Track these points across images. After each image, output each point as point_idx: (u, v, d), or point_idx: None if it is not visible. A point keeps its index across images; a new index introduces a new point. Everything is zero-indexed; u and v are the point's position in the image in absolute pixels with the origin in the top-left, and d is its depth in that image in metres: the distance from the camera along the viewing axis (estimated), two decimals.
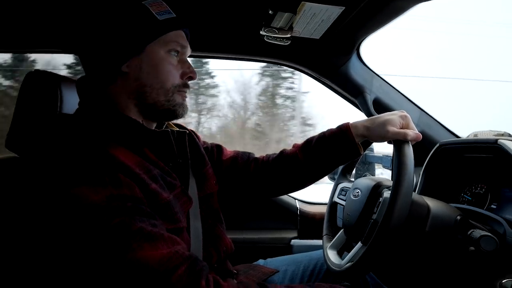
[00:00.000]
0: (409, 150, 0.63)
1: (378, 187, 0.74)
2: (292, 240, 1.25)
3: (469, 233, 0.61)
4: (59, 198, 0.48)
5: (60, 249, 0.49)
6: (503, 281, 0.61)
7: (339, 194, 0.92)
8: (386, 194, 0.69)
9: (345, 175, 0.96)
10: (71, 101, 0.69)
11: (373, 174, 1.24)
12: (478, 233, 0.60)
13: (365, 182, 0.78)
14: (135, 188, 0.51)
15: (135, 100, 0.62)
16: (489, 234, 0.59)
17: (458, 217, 0.65)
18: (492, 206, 0.82)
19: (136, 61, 0.60)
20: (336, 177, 0.98)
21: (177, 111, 0.64)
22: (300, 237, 1.27)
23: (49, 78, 0.69)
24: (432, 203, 0.67)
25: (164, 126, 0.70)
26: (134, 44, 0.59)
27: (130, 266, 0.47)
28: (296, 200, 1.34)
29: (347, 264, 0.66)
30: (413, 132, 0.66)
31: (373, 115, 1.06)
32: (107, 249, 0.47)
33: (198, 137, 0.80)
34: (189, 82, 0.66)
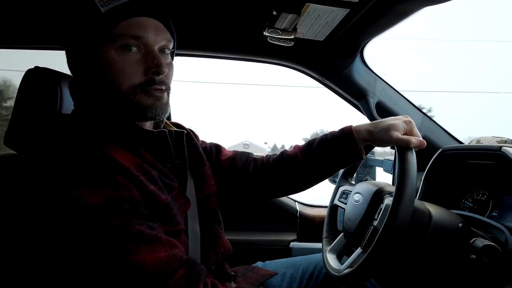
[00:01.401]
0: (412, 158, 0.62)
1: (379, 193, 0.73)
2: (291, 243, 1.25)
3: (471, 241, 0.61)
4: (56, 199, 0.47)
5: (57, 250, 0.48)
6: None
7: (340, 197, 0.91)
8: (387, 201, 0.68)
9: (346, 178, 0.95)
10: (71, 99, 0.69)
11: (374, 178, 1.24)
12: (481, 242, 0.59)
13: (367, 187, 0.77)
14: (133, 190, 0.50)
15: (104, 105, 0.56)
16: (493, 243, 0.58)
17: (460, 224, 0.64)
18: (494, 213, 0.81)
19: (85, 62, 0.54)
20: (337, 179, 0.97)
21: (146, 114, 0.55)
22: (299, 239, 1.27)
23: (49, 75, 0.69)
24: (434, 210, 0.66)
25: (162, 125, 0.69)
26: (87, 47, 0.52)
27: (127, 269, 0.46)
28: (296, 203, 1.34)
29: (346, 270, 0.65)
30: (416, 139, 0.65)
31: (375, 119, 1.06)
32: (104, 252, 0.46)
33: (196, 137, 0.79)
34: (158, 77, 0.55)
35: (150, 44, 0.55)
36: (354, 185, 0.90)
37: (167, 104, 0.58)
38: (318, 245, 1.22)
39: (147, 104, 0.55)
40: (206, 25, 0.95)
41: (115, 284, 0.47)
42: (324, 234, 0.90)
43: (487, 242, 0.59)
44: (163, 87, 0.57)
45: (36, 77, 0.69)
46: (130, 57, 0.53)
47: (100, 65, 0.53)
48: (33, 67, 0.70)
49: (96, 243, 0.46)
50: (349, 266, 0.67)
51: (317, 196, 1.37)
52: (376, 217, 0.69)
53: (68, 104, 0.69)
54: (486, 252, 0.58)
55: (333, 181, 1.03)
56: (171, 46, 0.59)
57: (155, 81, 0.55)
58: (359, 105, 1.11)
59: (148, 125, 0.65)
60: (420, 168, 0.93)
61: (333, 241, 0.85)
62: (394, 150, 0.86)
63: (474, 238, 0.61)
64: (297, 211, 1.30)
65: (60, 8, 0.59)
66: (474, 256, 0.60)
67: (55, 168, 0.49)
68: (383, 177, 1.19)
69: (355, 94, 1.09)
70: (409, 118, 0.70)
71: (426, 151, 0.97)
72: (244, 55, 1.10)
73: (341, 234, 0.83)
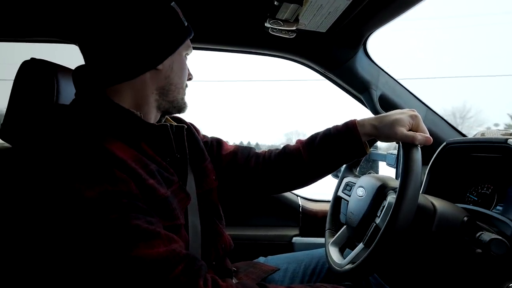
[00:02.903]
0: (417, 155, 0.60)
1: (383, 189, 0.72)
2: (294, 238, 1.24)
3: (477, 235, 0.59)
4: (53, 193, 0.46)
5: (54, 244, 0.47)
6: (510, 285, 0.59)
7: (344, 188, 0.90)
8: (391, 198, 0.67)
9: (351, 169, 0.94)
10: (68, 91, 0.68)
11: (377, 172, 1.22)
12: (487, 236, 0.58)
13: (371, 181, 0.76)
14: (131, 183, 0.49)
15: (157, 96, 0.64)
16: (500, 237, 0.57)
17: (465, 218, 0.63)
18: (499, 207, 0.80)
19: (169, 60, 0.63)
20: (339, 174, 0.96)
21: (184, 108, 0.69)
22: (301, 234, 1.26)
23: (45, 67, 0.67)
24: (439, 203, 0.65)
25: (164, 120, 0.69)
26: (173, 45, 0.63)
27: (125, 264, 0.45)
28: (298, 197, 1.33)
29: (348, 266, 0.64)
30: (422, 136, 0.63)
31: (378, 112, 1.05)
32: (102, 246, 0.45)
33: (197, 131, 0.78)
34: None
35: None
36: (358, 176, 0.89)
37: None
38: (320, 240, 1.21)
39: (185, 100, 0.69)
40: (207, 17, 0.93)
41: (113, 279, 0.46)
42: (327, 225, 0.89)
43: (494, 236, 0.57)
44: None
45: (32, 68, 0.67)
46: (186, 61, 0.69)
47: (177, 63, 0.65)
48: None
49: (93, 237, 0.45)
50: (351, 262, 0.66)
51: (320, 191, 1.36)
52: (378, 214, 0.68)
53: (65, 96, 0.68)
54: (494, 246, 0.57)
55: (336, 176, 1.02)
56: None
57: (186, 84, 0.70)
58: (362, 98, 1.09)
59: (153, 121, 0.65)
60: (424, 162, 0.93)
61: (336, 233, 0.84)
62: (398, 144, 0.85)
63: (480, 232, 0.60)
64: (300, 206, 1.30)
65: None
66: (480, 250, 0.59)
67: (52, 161, 0.48)
68: (386, 171, 1.18)
69: (358, 87, 1.07)
70: (415, 112, 0.68)
71: (430, 144, 0.96)
72: (246, 47, 1.08)
73: (344, 226, 0.82)
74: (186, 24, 0.65)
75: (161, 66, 0.62)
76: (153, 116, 0.65)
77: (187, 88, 0.70)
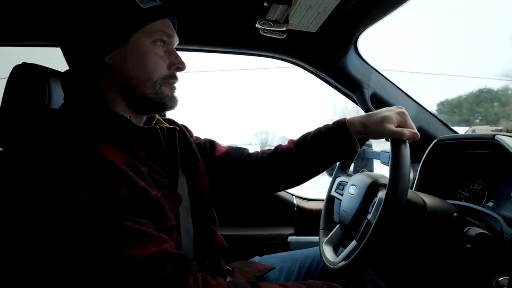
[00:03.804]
0: (405, 150, 0.61)
1: (374, 185, 0.72)
2: (289, 237, 1.25)
3: (465, 230, 0.60)
4: (43, 196, 0.46)
5: (45, 246, 0.47)
6: (500, 279, 0.60)
7: (337, 188, 0.91)
8: (381, 194, 0.67)
9: (343, 169, 0.95)
10: (60, 95, 0.68)
11: (371, 171, 1.23)
12: (474, 230, 0.59)
13: (362, 179, 0.77)
14: (121, 186, 0.49)
15: (122, 94, 0.59)
16: (486, 232, 0.58)
17: (455, 214, 0.64)
18: (490, 202, 0.81)
19: (120, 52, 0.57)
20: (334, 171, 0.97)
21: (166, 103, 0.61)
22: (297, 233, 1.27)
23: (37, 71, 0.67)
24: (429, 200, 0.66)
25: (154, 121, 0.68)
26: (117, 34, 0.56)
27: (116, 265, 0.46)
28: (294, 196, 1.34)
29: (341, 263, 0.65)
30: (410, 131, 0.64)
31: (371, 110, 1.06)
32: (92, 247, 0.46)
33: (190, 132, 0.78)
34: (177, 73, 0.63)
35: (173, 43, 0.64)
36: (350, 176, 0.90)
37: None
38: (315, 238, 1.21)
39: (168, 95, 0.61)
40: (198, 18, 0.93)
41: (104, 280, 0.46)
42: (321, 225, 0.89)
43: (480, 231, 0.58)
44: (176, 82, 0.63)
45: (23, 73, 0.67)
46: (159, 50, 0.60)
47: (133, 54, 0.58)
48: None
49: (84, 238, 0.46)
50: (344, 259, 0.66)
51: (314, 191, 1.36)
52: (370, 210, 0.68)
53: (56, 100, 0.68)
54: (480, 241, 0.58)
55: (330, 174, 1.02)
56: None
57: (175, 76, 0.63)
58: (354, 97, 1.10)
59: (141, 121, 0.65)
60: (416, 159, 0.93)
61: (330, 232, 0.84)
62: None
63: (468, 227, 0.60)
64: (295, 205, 1.30)
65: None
66: (469, 245, 0.60)
67: (43, 164, 0.48)
68: (381, 170, 1.18)
69: (350, 86, 1.08)
70: (403, 109, 0.69)
71: (422, 141, 0.97)
72: (237, 48, 1.09)
73: (338, 225, 0.83)
74: (145, 7, 0.57)
75: (110, 60, 0.57)
76: (134, 118, 0.61)
77: (170, 81, 0.62)
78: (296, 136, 0.80)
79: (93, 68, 0.58)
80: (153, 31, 0.59)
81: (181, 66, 0.63)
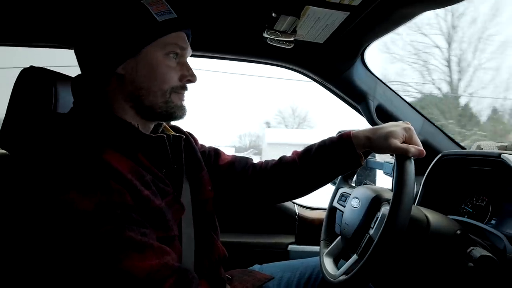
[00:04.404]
0: (410, 167, 0.60)
1: (377, 200, 0.72)
2: (289, 246, 1.24)
3: (469, 250, 0.60)
4: (48, 203, 0.47)
5: (48, 253, 0.48)
6: None
7: (339, 199, 0.90)
8: (384, 210, 0.67)
9: (346, 180, 0.94)
10: (66, 99, 0.68)
11: (374, 181, 1.23)
12: (478, 252, 0.58)
13: (365, 192, 0.76)
14: (126, 195, 0.50)
15: (131, 103, 0.60)
16: (490, 254, 0.58)
17: (458, 231, 0.64)
18: (493, 220, 0.80)
19: (132, 63, 0.58)
20: (337, 181, 0.97)
21: (175, 113, 0.62)
22: (297, 242, 1.26)
23: (45, 75, 0.68)
24: (432, 216, 0.65)
25: (161, 129, 0.69)
26: (130, 46, 0.57)
27: (118, 276, 0.46)
28: (295, 205, 1.33)
29: (342, 277, 0.65)
30: (415, 148, 0.63)
31: (375, 122, 1.06)
32: (95, 257, 0.46)
33: (195, 140, 0.79)
34: (188, 84, 0.64)
35: (186, 56, 0.65)
36: (353, 187, 0.90)
37: None
38: (316, 248, 1.21)
39: (177, 104, 0.62)
40: (208, 26, 0.94)
41: None
42: (322, 236, 0.89)
43: (484, 253, 0.58)
44: (186, 91, 0.65)
45: (31, 76, 0.68)
46: (171, 62, 0.61)
47: (145, 65, 0.59)
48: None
49: (87, 248, 0.46)
50: (345, 273, 0.66)
51: (317, 199, 1.36)
52: (372, 226, 0.68)
53: (63, 104, 0.68)
54: (483, 263, 0.57)
55: (333, 183, 1.02)
56: None
57: (186, 87, 0.64)
58: (359, 108, 1.10)
59: (149, 129, 0.65)
60: (420, 172, 0.93)
61: (331, 243, 0.84)
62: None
63: (472, 247, 0.60)
64: (296, 213, 1.30)
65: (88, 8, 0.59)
66: (471, 264, 0.60)
67: (49, 171, 0.49)
68: (383, 180, 1.18)
69: (355, 97, 1.08)
70: (409, 125, 0.68)
71: (426, 155, 0.96)
72: (245, 56, 1.09)
73: (339, 237, 0.83)
74: (160, 20, 0.57)
75: (122, 71, 0.58)
76: (142, 125, 0.62)
77: (181, 91, 0.63)
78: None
79: (105, 77, 0.59)
80: (166, 43, 0.59)
81: (192, 78, 0.63)
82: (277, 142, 16.96)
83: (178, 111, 0.63)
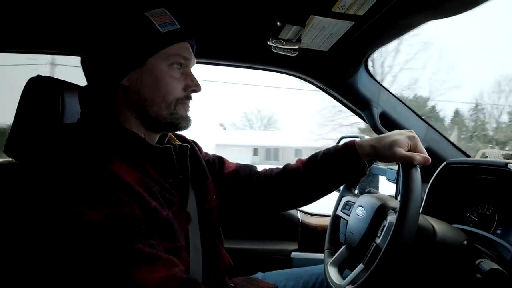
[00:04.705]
0: (416, 175, 0.60)
1: (383, 208, 0.72)
2: (293, 253, 1.23)
3: (477, 263, 0.59)
4: (57, 215, 0.47)
5: (55, 263, 0.48)
6: None
7: (343, 208, 0.90)
8: (391, 218, 0.67)
9: (349, 188, 0.94)
10: (73, 108, 0.69)
11: (377, 187, 1.22)
12: (487, 265, 0.57)
13: (370, 201, 0.76)
14: (135, 207, 0.50)
15: (136, 113, 0.60)
16: (499, 268, 0.57)
17: (465, 242, 0.63)
18: (498, 230, 0.79)
19: (136, 74, 0.58)
20: (341, 188, 0.96)
21: (180, 124, 0.62)
22: (300, 249, 1.25)
23: (52, 84, 0.68)
24: (438, 226, 0.65)
25: (166, 139, 0.69)
26: (135, 58, 0.58)
27: (126, 287, 0.46)
28: (298, 211, 1.33)
29: (348, 287, 0.64)
30: (420, 156, 0.64)
31: (379, 129, 1.06)
32: (104, 269, 0.46)
33: (200, 149, 0.79)
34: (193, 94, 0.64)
35: (190, 66, 0.65)
36: (357, 195, 0.89)
37: None
38: (320, 255, 1.20)
39: (182, 115, 0.62)
40: (212, 34, 0.95)
41: None
42: (326, 245, 0.89)
43: (494, 266, 0.57)
44: (190, 101, 0.65)
45: (38, 85, 0.68)
46: (175, 73, 0.61)
47: (150, 76, 0.59)
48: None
49: (96, 260, 0.46)
50: (351, 283, 0.66)
51: (320, 205, 1.35)
52: (379, 234, 0.68)
53: (70, 114, 0.69)
54: (492, 276, 0.57)
55: (338, 190, 1.02)
56: None
57: (190, 97, 0.64)
58: (363, 115, 1.10)
59: (155, 140, 0.66)
60: (424, 180, 0.92)
61: (335, 253, 0.83)
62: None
63: (480, 260, 0.59)
64: (299, 220, 1.29)
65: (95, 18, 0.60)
66: (479, 276, 0.59)
67: (58, 182, 0.49)
68: (387, 186, 1.17)
69: (359, 104, 1.08)
70: (413, 133, 0.69)
71: (431, 163, 0.97)
72: (249, 63, 1.10)
73: (343, 246, 0.82)
74: (164, 32, 0.58)
75: (127, 82, 0.58)
76: (147, 136, 0.62)
77: (186, 102, 0.63)
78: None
79: (110, 88, 0.59)
80: (170, 54, 0.60)
81: (196, 88, 0.63)
82: (225, 144, 17.29)
83: (183, 122, 0.63)
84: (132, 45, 0.57)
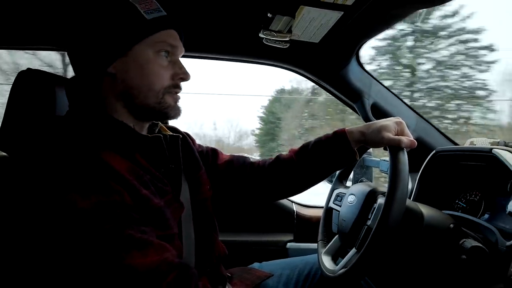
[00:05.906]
0: (403, 157, 0.63)
1: (373, 193, 0.74)
2: (288, 243, 1.25)
3: (461, 242, 0.62)
4: (48, 203, 0.47)
5: (48, 253, 0.48)
6: None
7: (335, 199, 0.92)
8: (381, 200, 0.69)
9: (341, 181, 0.96)
10: (64, 101, 0.69)
11: (370, 179, 1.24)
12: (469, 243, 0.60)
13: (361, 188, 0.78)
14: (125, 194, 0.50)
15: (123, 102, 0.60)
16: (480, 245, 0.59)
17: (451, 225, 0.65)
18: (486, 214, 0.82)
19: (122, 62, 0.58)
20: (334, 179, 0.98)
21: (168, 113, 0.62)
22: (296, 240, 1.27)
23: (42, 77, 0.68)
24: (426, 210, 0.67)
25: (157, 129, 0.69)
26: (120, 45, 0.57)
27: (119, 273, 0.46)
28: (293, 203, 1.34)
29: (341, 270, 0.66)
30: (407, 139, 0.66)
31: (370, 120, 1.07)
32: (96, 256, 0.47)
33: (193, 140, 0.79)
34: (182, 83, 0.63)
35: (178, 54, 0.64)
36: (348, 187, 0.91)
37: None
38: (314, 245, 1.21)
39: (171, 104, 0.62)
40: (202, 27, 0.95)
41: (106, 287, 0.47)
42: (320, 236, 0.90)
43: (475, 243, 0.60)
44: (180, 91, 0.64)
45: (28, 79, 0.68)
46: (162, 61, 0.60)
47: (136, 64, 0.58)
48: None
49: (87, 247, 0.47)
50: (344, 267, 0.67)
51: (314, 198, 1.37)
52: (369, 217, 0.70)
53: (61, 106, 0.69)
54: (474, 253, 0.59)
55: (330, 181, 1.04)
56: None
57: (179, 85, 0.63)
58: (354, 106, 1.12)
59: (143, 129, 0.66)
60: (415, 169, 0.95)
61: (328, 243, 0.85)
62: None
63: (464, 239, 0.62)
64: (294, 212, 1.31)
65: (75, 8, 0.59)
66: (464, 256, 0.61)
67: (49, 172, 0.49)
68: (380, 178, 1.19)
69: (351, 95, 1.09)
70: (400, 119, 0.71)
71: (421, 152, 0.99)
72: (240, 56, 1.10)
73: (336, 236, 0.84)
74: (149, 18, 0.57)
75: (113, 70, 0.57)
76: (136, 125, 0.62)
77: (174, 91, 0.62)
78: None
79: (97, 76, 0.59)
80: (156, 41, 0.59)
81: (185, 76, 0.62)
82: None
83: (171, 111, 0.62)
84: (116, 32, 0.56)
